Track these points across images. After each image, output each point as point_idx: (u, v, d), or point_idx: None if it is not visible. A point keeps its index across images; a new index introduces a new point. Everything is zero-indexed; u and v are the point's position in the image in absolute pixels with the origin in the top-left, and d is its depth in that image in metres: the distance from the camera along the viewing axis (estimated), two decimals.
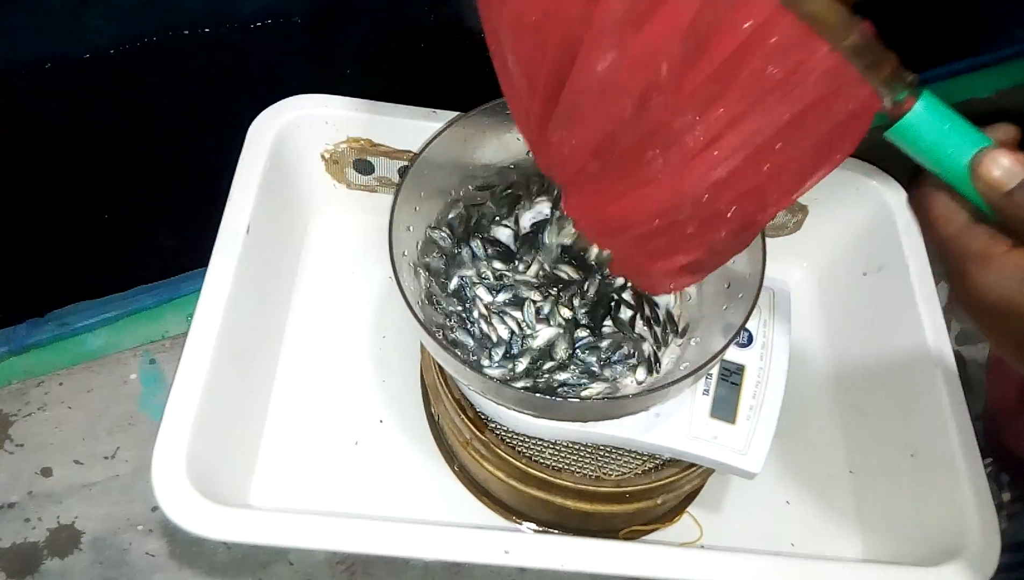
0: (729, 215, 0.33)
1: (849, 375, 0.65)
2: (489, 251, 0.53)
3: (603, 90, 0.31)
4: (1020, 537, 0.56)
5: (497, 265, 0.53)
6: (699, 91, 0.30)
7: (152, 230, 0.70)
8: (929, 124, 0.30)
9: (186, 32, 0.62)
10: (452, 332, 0.49)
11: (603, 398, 0.46)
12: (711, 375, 0.52)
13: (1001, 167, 0.29)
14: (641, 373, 0.49)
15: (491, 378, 0.45)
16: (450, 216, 0.54)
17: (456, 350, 0.47)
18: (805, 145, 0.30)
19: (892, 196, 0.63)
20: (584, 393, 0.49)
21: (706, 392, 0.52)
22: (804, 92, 0.28)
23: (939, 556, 0.50)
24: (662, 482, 0.52)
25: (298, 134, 0.61)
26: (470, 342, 0.48)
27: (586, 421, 0.48)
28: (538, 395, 0.44)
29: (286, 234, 0.64)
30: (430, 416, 0.60)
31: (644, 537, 0.58)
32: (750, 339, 0.54)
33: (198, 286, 0.52)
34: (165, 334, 0.65)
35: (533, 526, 0.57)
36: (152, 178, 0.69)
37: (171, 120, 0.67)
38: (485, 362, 0.48)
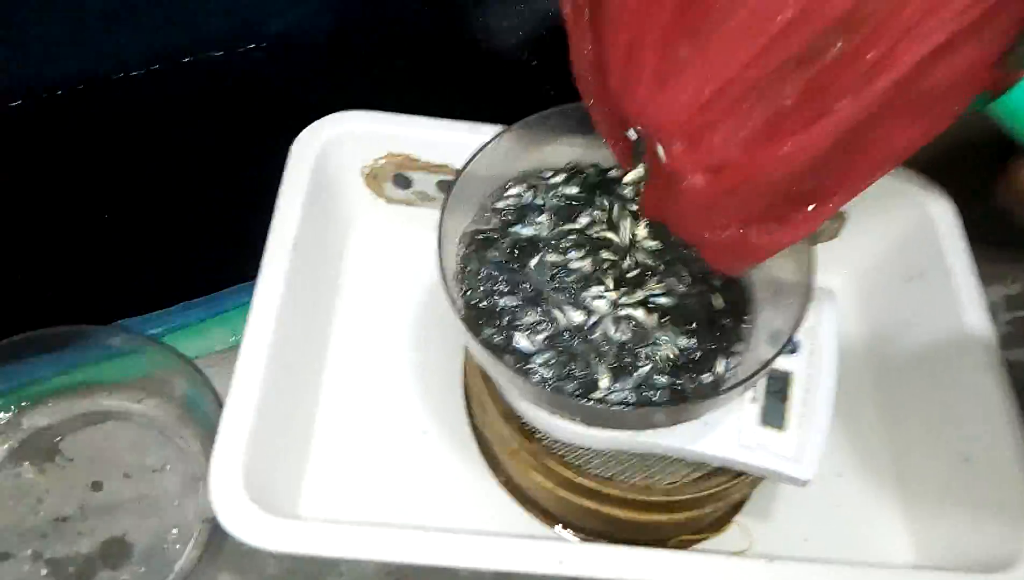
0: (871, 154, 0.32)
1: (895, 381, 0.64)
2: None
3: None
4: None
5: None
6: None
7: (191, 248, 0.70)
8: None
9: (214, 53, 0.62)
10: (501, 336, 0.49)
11: (663, 406, 0.46)
12: (758, 384, 0.52)
13: None
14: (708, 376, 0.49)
15: (546, 386, 0.45)
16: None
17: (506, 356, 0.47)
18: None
19: (932, 201, 0.63)
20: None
21: (754, 400, 0.52)
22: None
23: (995, 563, 0.49)
24: (711, 491, 0.52)
25: (340, 150, 0.62)
26: (523, 344, 0.48)
27: (636, 430, 0.48)
28: (598, 405, 0.44)
29: (328, 248, 0.65)
30: (474, 426, 0.61)
31: (693, 547, 0.57)
32: (796, 347, 0.54)
33: (242, 301, 0.53)
34: (211, 349, 0.66)
35: (580, 537, 0.57)
36: (188, 199, 0.70)
37: (206, 139, 0.68)
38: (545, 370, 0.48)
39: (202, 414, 0.59)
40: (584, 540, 0.57)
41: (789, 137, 0.33)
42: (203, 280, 0.69)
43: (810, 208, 0.38)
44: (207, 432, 0.54)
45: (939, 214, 0.62)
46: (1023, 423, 0.53)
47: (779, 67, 0.31)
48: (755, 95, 0.33)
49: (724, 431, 0.51)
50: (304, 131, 0.61)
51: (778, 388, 0.52)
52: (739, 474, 0.53)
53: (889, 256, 0.66)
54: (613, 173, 0.54)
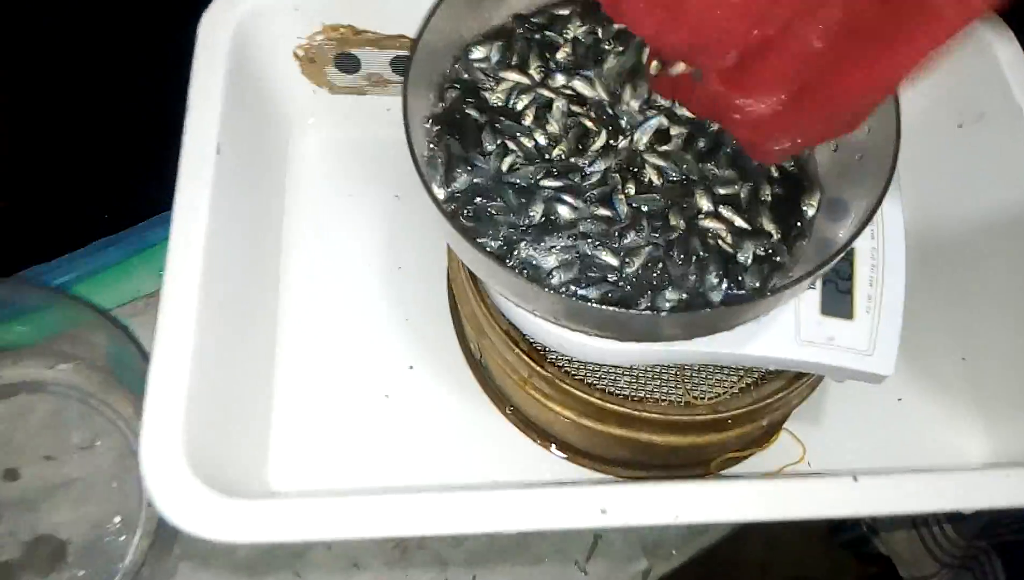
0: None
1: (951, 245, 0.55)
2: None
3: None
4: None
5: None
6: None
7: (100, 172, 0.58)
8: None
9: None
10: (508, 242, 0.38)
11: (713, 308, 0.36)
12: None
13: None
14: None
15: (568, 294, 0.34)
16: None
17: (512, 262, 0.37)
18: None
19: (986, 26, 0.52)
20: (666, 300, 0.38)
21: (812, 285, 0.42)
22: None
23: None
24: (767, 401, 0.43)
25: (261, 26, 0.49)
26: (530, 249, 0.37)
27: (683, 339, 0.38)
28: (630, 312, 0.34)
29: (264, 155, 0.52)
30: (469, 354, 0.50)
31: (740, 464, 0.49)
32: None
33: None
34: (137, 293, 0.54)
35: (608, 469, 0.48)
36: (90, 112, 0.57)
37: (109, 33, 0.55)
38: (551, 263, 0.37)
39: (131, 374, 0.48)
40: (612, 471, 0.48)
41: (890, 48, 0.27)
42: (119, 211, 0.57)
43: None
44: (141, 396, 0.43)
45: (998, 44, 0.51)
46: None
47: None
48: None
49: (780, 326, 0.41)
50: (211, 5, 0.47)
51: (840, 268, 0.43)
52: (799, 376, 0.44)
53: (937, 99, 0.55)
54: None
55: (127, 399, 0.48)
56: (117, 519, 0.45)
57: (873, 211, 0.34)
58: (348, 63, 0.53)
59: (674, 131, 0.40)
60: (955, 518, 0.69)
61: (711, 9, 0.27)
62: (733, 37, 0.28)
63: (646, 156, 0.39)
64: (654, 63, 0.35)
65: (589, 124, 0.39)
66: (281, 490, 0.44)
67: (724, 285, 0.36)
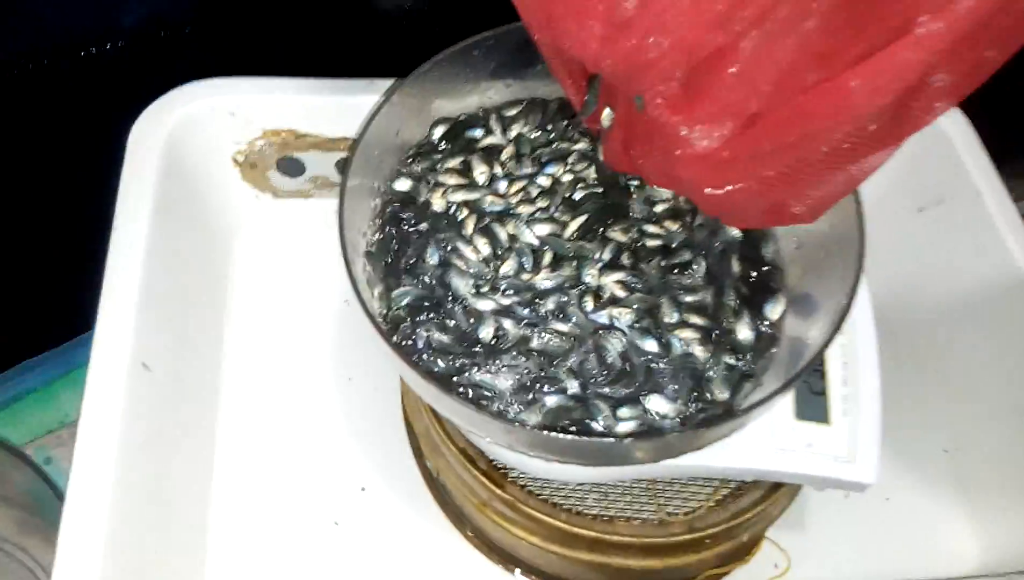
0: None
1: (922, 332, 0.53)
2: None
3: None
4: None
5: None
6: None
7: (26, 289, 0.54)
8: None
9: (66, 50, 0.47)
10: (457, 370, 0.35)
11: (678, 431, 0.33)
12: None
13: None
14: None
15: (522, 425, 0.31)
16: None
17: (464, 389, 0.34)
18: None
19: (944, 117, 0.51)
20: (625, 425, 0.35)
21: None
22: None
23: None
24: (746, 515, 0.40)
25: (197, 134, 0.47)
26: (481, 373, 0.34)
27: (652, 462, 0.35)
28: (595, 439, 0.31)
29: (200, 267, 0.50)
30: (425, 472, 0.47)
31: None
32: (818, 309, 0.42)
33: None
34: (64, 419, 0.50)
35: None
36: (20, 219, 0.54)
37: (51, 151, 0.52)
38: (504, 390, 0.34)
39: (52, 515, 0.43)
40: None
41: (850, 69, 0.23)
42: (45, 329, 0.53)
43: (870, 154, 0.27)
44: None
45: (954, 129, 0.51)
46: None
47: None
48: (788, 7, 0.23)
49: (755, 436, 0.38)
50: (143, 113, 0.45)
51: (812, 369, 0.40)
52: (778, 486, 0.41)
53: (896, 184, 0.54)
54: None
55: (47, 541, 0.43)
56: None
57: (843, 315, 0.32)
58: (292, 167, 0.51)
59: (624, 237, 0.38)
60: None
61: (659, 14, 0.24)
62: (680, 51, 0.25)
63: (602, 275, 0.36)
64: (606, 112, 0.32)
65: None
66: None
67: (693, 404, 0.34)
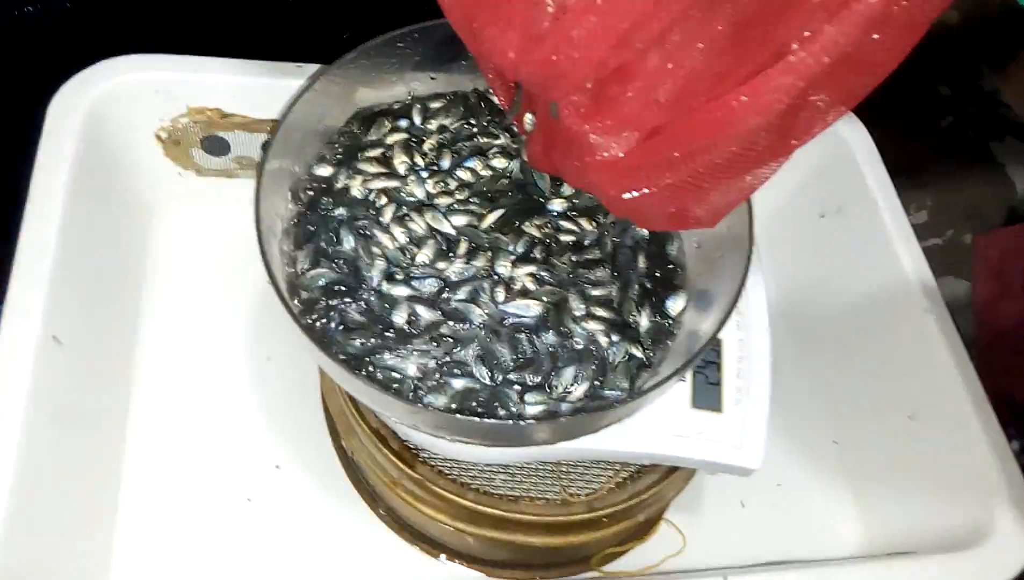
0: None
1: (819, 331, 0.57)
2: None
3: None
4: None
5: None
6: None
7: None
8: None
9: None
10: (369, 351, 0.36)
11: (577, 413, 0.35)
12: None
13: None
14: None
15: (426, 406, 0.33)
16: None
17: (376, 375, 0.35)
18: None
19: (845, 125, 0.55)
20: (531, 409, 0.37)
21: (682, 378, 0.42)
22: None
23: (960, 539, 0.43)
24: (642, 496, 0.43)
25: (119, 109, 0.46)
26: (397, 366, 0.35)
27: (552, 443, 0.37)
28: (494, 422, 0.32)
29: (119, 244, 0.49)
30: (341, 452, 0.48)
31: (621, 558, 0.48)
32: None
33: None
34: None
35: (487, 571, 0.46)
36: None
37: None
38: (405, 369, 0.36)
39: None
40: (498, 576, 0.46)
41: (736, 90, 0.25)
42: None
43: (762, 165, 0.29)
44: None
45: (855, 140, 0.54)
46: (973, 367, 0.47)
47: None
48: (684, 29, 0.25)
49: (652, 421, 0.41)
50: (64, 86, 0.45)
51: (707, 361, 0.43)
52: (673, 469, 0.43)
53: (801, 192, 0.58)
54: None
55: None
56: None
57: (729, 310, 0.35)
58: (216, 146, 0.51)
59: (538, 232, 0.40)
60: None
61: (569, 29, 0.26)
62: (588, 65, 0.27)
63: (515, 267, 0.38)
64: (527, 117, 0.34)
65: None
66: None
67: (593, 387, 0.36)
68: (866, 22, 0.24)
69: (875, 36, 0.24)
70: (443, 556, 0.46)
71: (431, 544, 0.46)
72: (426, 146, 0.41)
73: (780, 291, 0.60)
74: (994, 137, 0.76)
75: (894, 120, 0.75)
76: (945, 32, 0.82)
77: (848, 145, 0.54)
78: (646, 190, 0.30)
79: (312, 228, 0.38)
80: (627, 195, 0.31)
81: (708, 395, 0.42)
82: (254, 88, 0.48)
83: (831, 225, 0.56)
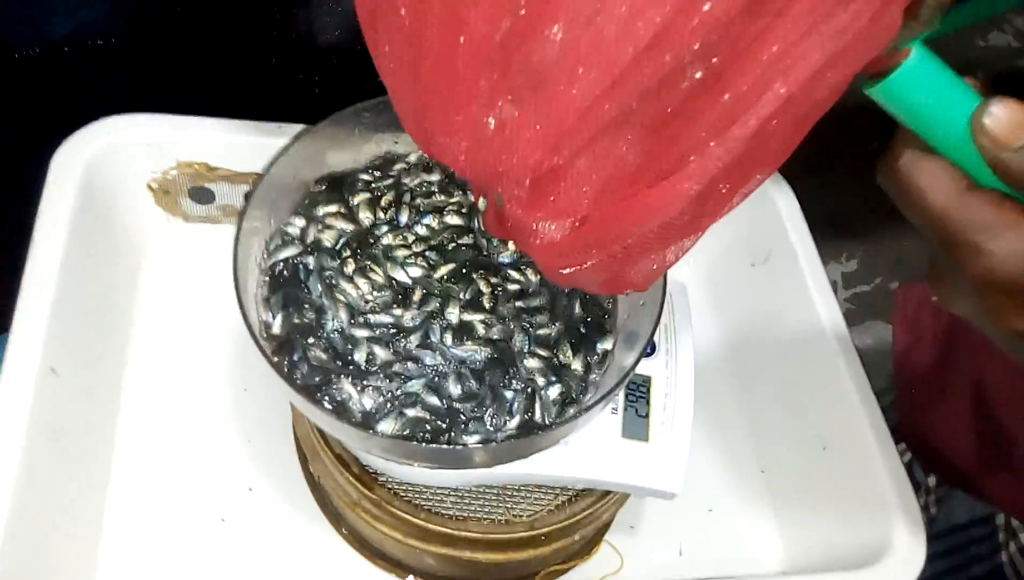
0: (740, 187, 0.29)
1: (750, 369, 0.63)
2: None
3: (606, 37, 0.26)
4: (953, 521, 0.55)
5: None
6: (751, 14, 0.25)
7: None
8: (923, 78, 0.26)
9: None
10: (327, 383, 0.41)
11: (512, 438, 0.40)
12: (618, 394, 0.48)
13: (1013, 119, 0.25)
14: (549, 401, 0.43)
15: (376, 433, 0.38)
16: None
17: (328, 402, 0.40)
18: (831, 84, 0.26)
19: (772, 185, 0.61)
20: (471, 438, 0.42)
21: (614, 411, 0.47)
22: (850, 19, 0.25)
23: (862, 558, 0.48)
24: (578, 516, 0.47)
25: (115, 162, 0.51)
26: (348, 393, 0.40)
27: (492, 466, 0.42)
28: (436, 446, 0.37)
29: (111, 283, 0.54)
30: (308, 476, 0.52)
31: (562, 577, 0.52)
32: (653, 348, 0.50)
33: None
34: None
35: None
36: None
37: None
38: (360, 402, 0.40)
39: None
40: None
41: (652, 187, 0.30)
42: None
43: (682, 241, 0.34)
44: None
45: (780, 198, 0.60)
46: (877, 404, 0.52)
47: (628, 106, 0.28)
48: (606, 138, 0.29)
49: (586, 449, 0.46)
50: (67, 140, 0.50)
51: (638, 396, 0.48)
52: (607, 493, 0.48)
53: (734, 242, 0.64)
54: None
55: None
56: None
57: (642, 351, 0.40)
58: (202, 195, 0.56)
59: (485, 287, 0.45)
60: None
61: (506, 140, 0.30)
62: (525, 166, 0.30)
63: (463, 313, 0.43)
64: (480, 200, 0.39)
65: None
66: None
67: (524, 420, 0.41)
68: (748, 138, 0.28)
69: (759, 143, 0.28)
70: (399, 573, 0.50)
71: (388, 562, 0.50)
72: (385, 201, 0.47)
73: (717, 333, 0.66)
74: None
75: (831, 174, 0.82)
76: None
77: (775, 203, 0.60)
78: (581, 265, 0.35)
79: (284, 275, 0.43)
80: (565, 270, 0.35)
81: (636, 426, 0.47)
82: (237, 144, 0.53)
83: (760, 273, 0.62)
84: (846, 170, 0.83)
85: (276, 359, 0.40)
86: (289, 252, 0.44)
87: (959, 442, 0.58)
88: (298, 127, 0.53)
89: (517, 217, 0.34)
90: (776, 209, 0.61)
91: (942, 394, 0.62)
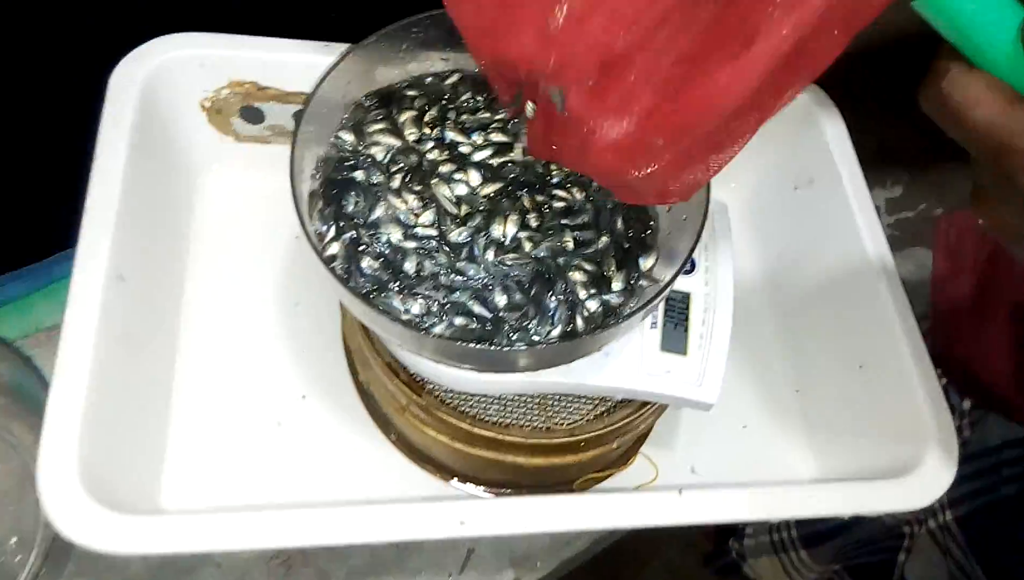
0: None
1: (789, 292, 0.63)
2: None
3: None
4: (986, 443, 0.56)
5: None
6: None
7: (12, 208, 0.60)
8: None
9: None
10: (379, 288, 0.43)
11: (554, 342, 0.41)
12: (658, 307, 0.49)
13: None
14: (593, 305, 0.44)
15: (429, 334, 0.40)
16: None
17: (386, 309, 0.42)
18: None
19: (818, 106, 0.61)
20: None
21: (654, 325, 0.49)
22: None
23: (896, 469, 0.49)
24: (616, 425, 0.49)
25: (170, 81, 0.53)
26: (396, 304, 0.42)
27: (534, 370, 0.44)
28: (481, 347, 0.39)
29: (170, 199, 0.56)
30: (358, 385, 0.55)
31: (600, 484, 0.55)
32: (693, 265, 0.51)
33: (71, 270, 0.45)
34: (39, 326, 0.56)
35: (482, 489, 0.53)
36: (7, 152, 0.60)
37: (19, 79, 0.57)
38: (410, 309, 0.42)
39: (33, 402, 0.50)
40: (487, 491, 0.53)
41: (718, 71, 0.30)
42: (23, 247, 0.59)
43: (735, 140, 0.33)
44: (41, 423, 0.46)
45: (827, 122, 0.60)
46: (916, 325, 0.52)
47: None
48: (669, 24, 0.29)
49: (626, 361, 0.47)
50: (124, 59, 0.52)
51: (678, 311, 0.49)
52: (644, 404, 0.50)
53: (776, 165, 0.64)
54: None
55: (27, 426, 0.51)
56: (14, 540, 0.47)
57: (682, 266, 0.41)
58: (252, 115, 0.57)
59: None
60: (810, 543, 0.77)
61: (575, 31, 0.30)
62: (595, 53, 0.31)
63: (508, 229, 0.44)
64: (529, 105, 0.38)
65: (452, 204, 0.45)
66: (173, 508, 0.48)
67: (567, 328, 0.42)
68: (813, 19, 0.28)
69: (821, 32, 0.29)
70: (445, 475, 0.53)
71: (434, 465, 0.53)
72: (428, 117, 0.47)
73: (757, 256, 0.66)
74: None
75: (878, 102, 0.81)
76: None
77: (820, 127, 0.60)
78: (642, 168, 0.34)
79: (335, 190, 0.45)
80: (626, 174, 0.35)
81: (675, 340, 0.49)
82: (286, 64, 0.54)
83: (803, 197, 0.62)
84: (896, 99, 0.81)
85: (331, 266, 0.41)
86: (339, 166, 0.45)
87: (997, 366, 0.59)
88: (340, 45, 0.54)
89: (579, 112, 0.33)
90: (822, 133, 0.60)
91: (981, 320, 0.62)
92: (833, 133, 0.60)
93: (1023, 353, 0.55)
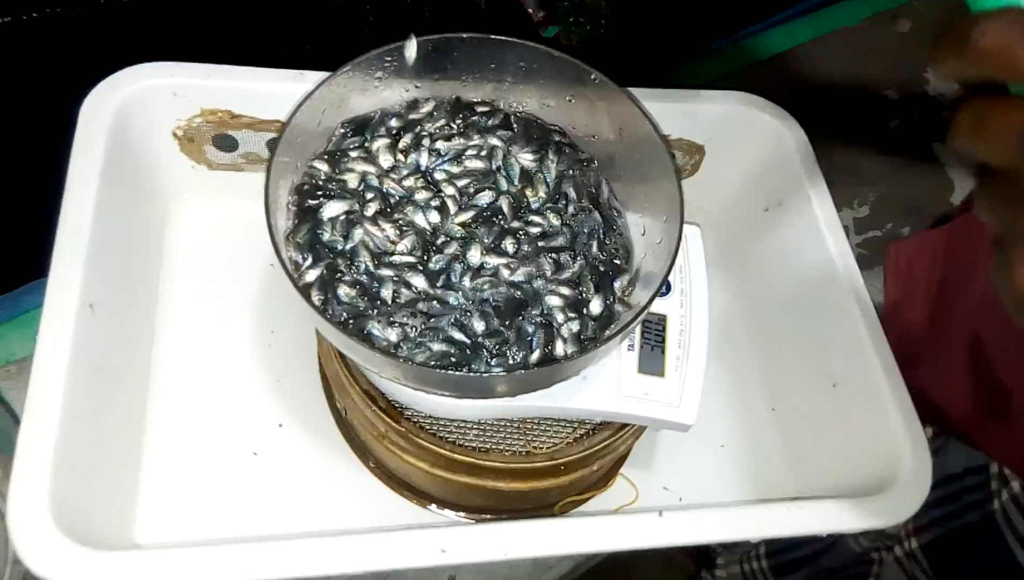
0: None
1: (763, 312, 0.64)
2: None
3: None
4: (948, 470, 0.56)
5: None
6: None
7: None
8: None
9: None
10: (356, 316, 0.43)
11: (532, 368, 0.42)
12: (635, 330, 0.49)
13: None
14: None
15: (406, 360, 0.40)
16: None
17: (363, 337, 0.42)
18: None
19: (787, 129, 0.62)
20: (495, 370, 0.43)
21: (631, 348, 0.49)
22: None
23: (872, 486, 0.50)
24: (596, 448, 0.49)
25: (142, 110, 0.53)
26: (378, 333, 0.42)
27: (513, 395, 0.44)
28: (460, 374, 0.39)
29: (142, 227, 0.56)
30: (336, 412, 0.55)
31: (580, 507, 0.55)
32: (668, 288, 0.52)
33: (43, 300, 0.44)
34: (10, 358, 0.56)
35: (463, 515, 0.53)
36: None
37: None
38: (382, 332, 0.42)
39: (3, 436, 0.49)
40: (468, 517, 0.53)
41: None
42: None
43: None
44: (9, 458, 0.45)
45: (794, 143, 0.61)
46: (887, 344, 0.53)
47: None
48: None
49: (604, 384, 0.48)
50: (95, 88, 0.51)
51: (654, 333, 0.50)
52: (623, 426, 0.50)
53: (748, 187, 0.65)
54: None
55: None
56: None
57: (659, 286, 0.42)
58: (226, 143, 0.57)
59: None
60: (780, 573, 0.77)
61: None
62: None
63: (484, 256, 0.45)
64: None
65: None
66: (148, 542, 0.47)
67: (544, 354, 0.42)
68: None
69: None
70: (424, 502, 0.53)
71: (413, 492, 0.53)
72: (402, 144, 0.48)
73: (731, 277, 0.67)
74: (937, 139, 0.84)
75: (846, 122, 0.83)
76: (896, 40, 0.90)
77: (789, 149, 0.61)
78: None
79: (309, 217, 0.45)
80: None
81: (653, 362, 0.49)
82: (259, 92, 0.54)
83: (774, 217, 0.63)
84: (863, 119, 0.83)
85: (307, 295, 0.41)
86: (314, 195, 0.45)
87: (955, 394, 0.59)
88: (321, 74, 0.54)
89: None
90: (790, 155, 0.61)
91: (936, 348, 0.62)
92: (800, 155, 0.61)
93: (980, 387, 0.56)
